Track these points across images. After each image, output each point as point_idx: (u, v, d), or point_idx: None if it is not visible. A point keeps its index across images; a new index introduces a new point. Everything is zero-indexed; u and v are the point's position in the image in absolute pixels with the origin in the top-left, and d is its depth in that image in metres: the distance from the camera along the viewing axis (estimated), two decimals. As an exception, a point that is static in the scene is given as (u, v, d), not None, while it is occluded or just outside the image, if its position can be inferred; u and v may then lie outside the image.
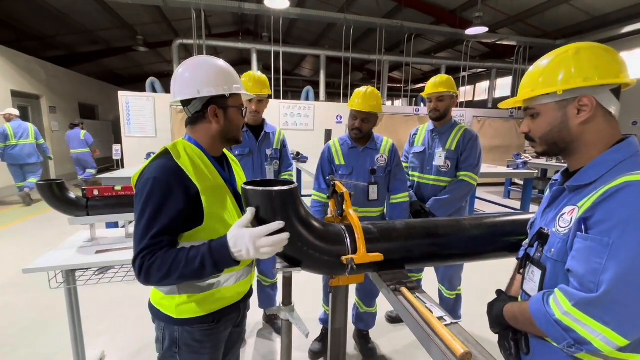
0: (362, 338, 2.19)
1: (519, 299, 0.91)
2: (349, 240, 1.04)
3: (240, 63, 14.22)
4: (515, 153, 6.77)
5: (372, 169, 1.92)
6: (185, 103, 1.02)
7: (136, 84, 12.84)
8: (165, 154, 0.98)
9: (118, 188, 1.84)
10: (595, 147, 0.77)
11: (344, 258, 0.99)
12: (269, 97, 2.12)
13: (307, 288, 2.41)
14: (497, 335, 0.91)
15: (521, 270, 0.89)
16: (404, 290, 1.00)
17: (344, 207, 1.17)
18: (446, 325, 0.84)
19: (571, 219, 0.74)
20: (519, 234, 1.19)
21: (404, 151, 2.37)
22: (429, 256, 1.17)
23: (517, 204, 6.40)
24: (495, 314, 0.89)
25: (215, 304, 1.05)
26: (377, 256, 1.02)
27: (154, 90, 6.87)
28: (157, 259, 0.87)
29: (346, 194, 1.15)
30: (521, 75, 8.80)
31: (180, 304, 1.00)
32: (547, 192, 0.93)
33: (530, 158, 6.86)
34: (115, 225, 3.01)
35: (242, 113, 1.09)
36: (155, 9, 8.10)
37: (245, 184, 1.00)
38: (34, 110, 7.65)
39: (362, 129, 1.89)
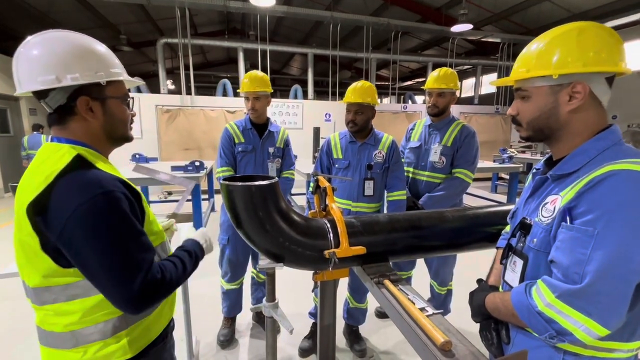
0: (352, 334, 2.19)
1: (500, 289, 0.91)
2: (331, 234, 1.04)
3: (228, 62, 14.07)
4: (501, 148, 6.90)
5: (368, 164, 1.92)
6: (41, 95, 0.75)
7: (121, 84, 12.54)
8: (81, 161, 0.73)
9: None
10: (581, 136, 0.75)
11: (326, 252, 0.99)
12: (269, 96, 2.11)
13: (298, 284, 2.40)
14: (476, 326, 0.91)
15: (503, 260, 0.88)
16: (387, 282, 1.00)
17: (327, 201, 1.16)
18: (428, 315, 0.84)
19: (554, 208, 0.73)
20: (499, 224, 1.20)
21: (400, 146, 2.32)
22: (412, 248, 1.18)
23: (503, 198, 6.52)
24: (477, 304, 0.89)
25: (170, 312, 0.94)
26: (360, 249, 1.02)
27: (139, 91, 6.74)
28: (165, 269, 0.76)
29: (329, 188, 1.14)
30: (506, 72, 8.95)
31: (133, 337, 0.80)
32: (529, 181, 0.91)
33: (516, 153, 6.98)
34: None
35: (128, 104, 0.86)
36: (139, 8, 7.92)
37: (225, 179, 0.98)
38: (13, 113, 7.41)
39: (357, 121, 1.89)
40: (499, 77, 9.29)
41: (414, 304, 0.90)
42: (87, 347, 0.76)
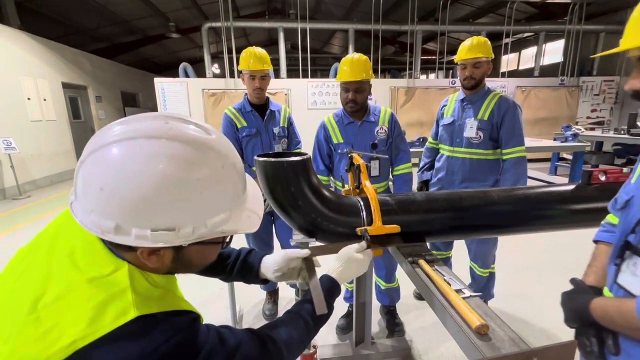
0: (389, 314, 2.18)
1: (606, 292, 0.78)
2: (364, 212, 1.02)
3: (269, 44, 14.16)
4: (564, 125, 6.18)
5: (372, 143, 1.83)
6: None
7: (171, 70, 13.36)
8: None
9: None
10: None
11: (358, 229, 0.97)
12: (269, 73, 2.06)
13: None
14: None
15: (616, 260, 0.74)
16: (422, 262, 0.96)
17: (361, 178, 1.14)
18: (464, 298, 0.80)
19: None
20: (553, 206, 1.09)
21: (434, 125, 2.25)
22: (451, 229, 1.12)
23: (564, 181, 5.90)
24: (576, 307, 0.76)
25: None
26: (394, 228, 0.99)
27: (187, 75, 7.09)
28: None
29: (362, 166, 1.12)
30: (575, 37, 7.85)
31: None
32: None
33: (583, 130, 6.22)
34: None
35: None
36: (185, -7, 8.24)
37: (259, 156, 1.00)
38: (83, 101, 8.26)
39: (357, 100, 1.77)
40: (567, 44, 8.17)
41: (449, 285, 0.86)
42: None
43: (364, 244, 0.91)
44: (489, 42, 1.88)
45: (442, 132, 2.14)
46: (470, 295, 0.82)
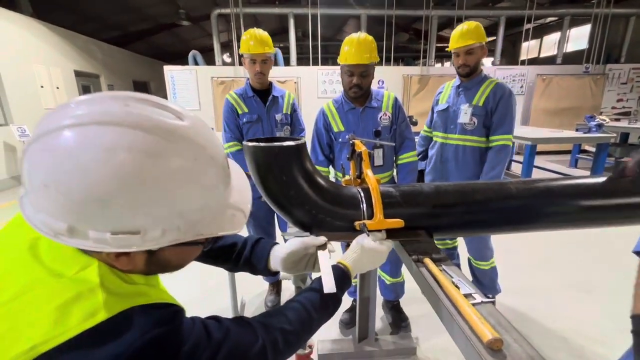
0: (393, 309, 2.10)
1: None
2: (364, 204, 0.92)
3: (281, 32, 13.90)
4: (587, 115, 5.85)
5: (376, 130, 1.71)
6: None
7: (183, 59, 13.32)
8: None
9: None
10: None
11: (356, 223, 0.88)
12: (273, 57, 1.98)
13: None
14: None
15: None
16: (427, 261, 0.86)
17: (362, 167, 1.03)
18: (474, 304, 0.70)
19: None
20: (582, 201, 0.96)
21: (429, 113, 2.19)
22: (462, 225, 1.00)
23: (585, 175, 5.62)
24: None
25: None
26: (397, 222, 0.88)
27: (196, 63, 7.02)
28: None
29: (364, 153, 1.01)
30: (603, 22, 7.35)
31: None
32: None
33: (608, 120, 5.86)
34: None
35: None
36: (195, -21, 8.09)
37: (249, 140, 0.91)
38: (95, 89, 8.33)
39: (363, 85, 1.64)
40: (594, 29, 7.68)
41: (458, 288, 0.76)
42: None
43: (384, 233, 0.85)
44: (481, 27, 1.82)
45: (436, 118, 2.08)
46: (482, 302, 0.72)
